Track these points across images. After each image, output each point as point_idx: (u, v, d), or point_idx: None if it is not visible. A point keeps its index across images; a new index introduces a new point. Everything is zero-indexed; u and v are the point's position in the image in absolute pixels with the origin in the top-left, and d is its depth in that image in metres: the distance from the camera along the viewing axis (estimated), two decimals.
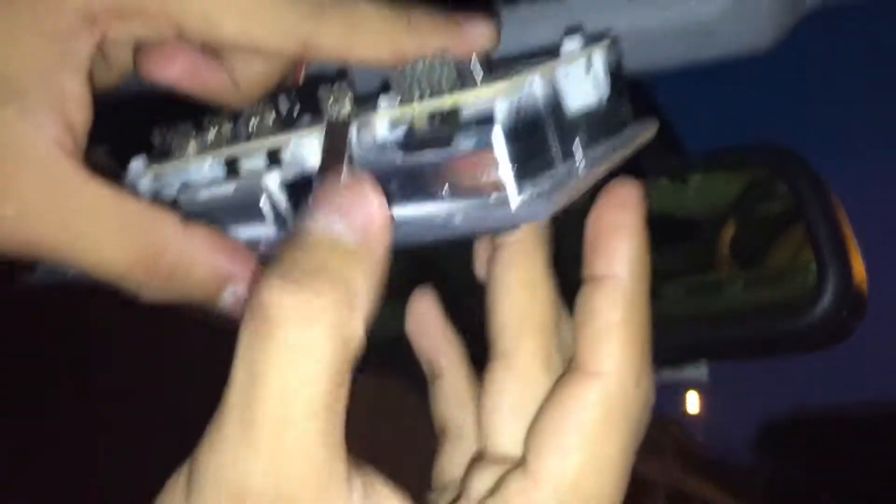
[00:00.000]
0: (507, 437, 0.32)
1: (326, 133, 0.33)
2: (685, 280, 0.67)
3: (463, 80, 0.32)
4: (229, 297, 0.33)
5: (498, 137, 0.28)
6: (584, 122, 0.34)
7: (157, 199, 0.39)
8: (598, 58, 0.34)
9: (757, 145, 0.55)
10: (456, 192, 0.30)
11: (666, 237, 0.64)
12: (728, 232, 0.69)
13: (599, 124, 0.35)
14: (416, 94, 0.32)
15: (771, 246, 0.69)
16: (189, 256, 0.32)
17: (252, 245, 0.35)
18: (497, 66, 0.35)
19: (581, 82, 0.34)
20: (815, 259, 0.49)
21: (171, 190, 0.40)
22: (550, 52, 0.35)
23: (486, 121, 0.29)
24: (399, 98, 0.33)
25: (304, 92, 0.40)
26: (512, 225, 0.31)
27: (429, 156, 0.30)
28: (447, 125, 0.31)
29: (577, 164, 0.32)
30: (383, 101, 0.33)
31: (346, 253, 0.26)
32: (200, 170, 0.39)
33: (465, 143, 0.29)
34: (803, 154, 0.55)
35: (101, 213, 0.30)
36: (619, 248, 0.30)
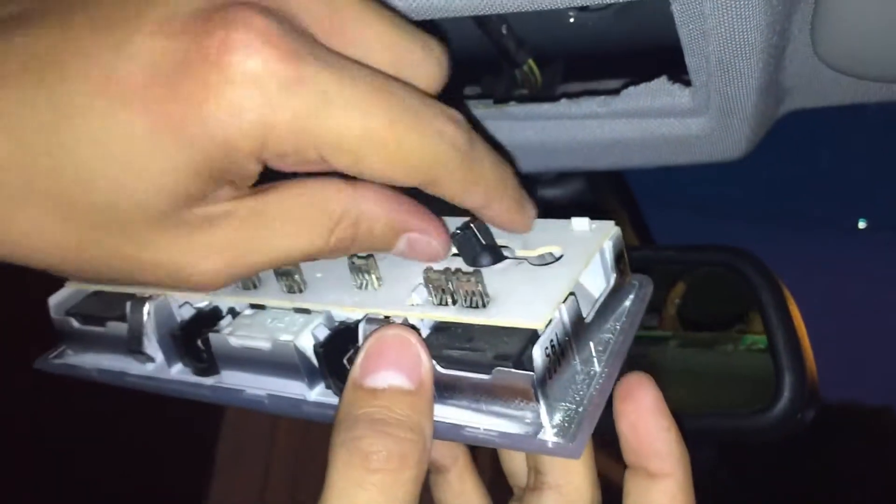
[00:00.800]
0: None
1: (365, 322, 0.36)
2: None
3: (489, 288, 0.34)
4: (402, 244, 0.36)
5: (536, 381, 0.32)
6: (596, 314, 0.36)
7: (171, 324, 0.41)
8: (608, 249, 0.37)
9: (719, 246, 0.58)
10: (490, 410, 0.33)
11: None
12: (677, 292, 0.73)
13: (607, 306, 0.37)
14: (450, 298, 0.35)
15: (712, 310, 0.73)
16: (371, 215, 0.35)
17: (291, 400, 0.38)
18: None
19: (594, 276, 0.37)
20: (773, 363, 0.53)
21: (181, 316, 0.41)
22: (553, 219, 0.39)
23: (521, 361, 0.32)
24: (431, 295, 0.35)
25: None
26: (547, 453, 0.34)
27: (468, 376, 0.33)
28: (484, 348, 0.33)
29: (597, 371, 0.35)
30: (417, 296, 0.35)
31: (410, 398, 0.32)
32: (223, 305, 0.41)
33: (503, 376, 0.32)
34: (765, 248, 0.59)
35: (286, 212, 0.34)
36: (669, 450, 0.36)
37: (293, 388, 0.38)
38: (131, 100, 0.29)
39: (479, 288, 0.34)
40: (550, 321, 0.33)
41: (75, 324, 0.42)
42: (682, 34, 0.45)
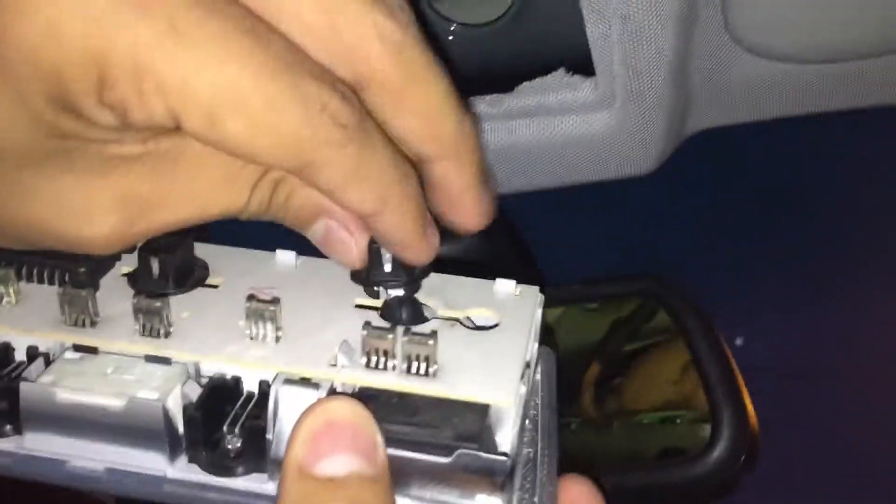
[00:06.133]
0: None
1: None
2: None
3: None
4: (320, 228, 0.33)
5: (509, 467, 0.30)
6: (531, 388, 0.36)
7: None
8: (538, 317, 0.35)
9: (638, 276, 0.55)
10: (437, 500, 0.31)
11: None
12: (592, 373, 0.69)
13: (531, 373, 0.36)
14: (383, 361, 0.32)
15: (627, 383, 0.69)
16: (294, 179, 0.32)
17: (145, 476, 0.32)
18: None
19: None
20: (708, 400, 0.48)
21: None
22: (468, 277, 0.37)
23: (487, 443, 0.31)
24: (362, 355, 0.32)
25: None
26: None
27: (421, 458, 0.30)
28: (436, 425, 0.31)
29: (536, 451, 0.34)
30: (342, 356, 0.32)
31: (376, 486, 0.29)
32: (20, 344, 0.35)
33: (469, 460, 0.30)
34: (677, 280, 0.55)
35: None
36: None
37: (146, 461, 0.32)
38: None
39: (433, 353, 0.31)
40: (519, 404, 0.31)
41: None
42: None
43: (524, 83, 0.49)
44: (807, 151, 0.87)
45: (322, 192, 0.31)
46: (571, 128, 0.49)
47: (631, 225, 0.81)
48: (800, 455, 0.81)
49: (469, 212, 0.34)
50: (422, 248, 0.33)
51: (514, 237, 0.70)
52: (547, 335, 0.36)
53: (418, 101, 0.31)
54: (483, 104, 0.50)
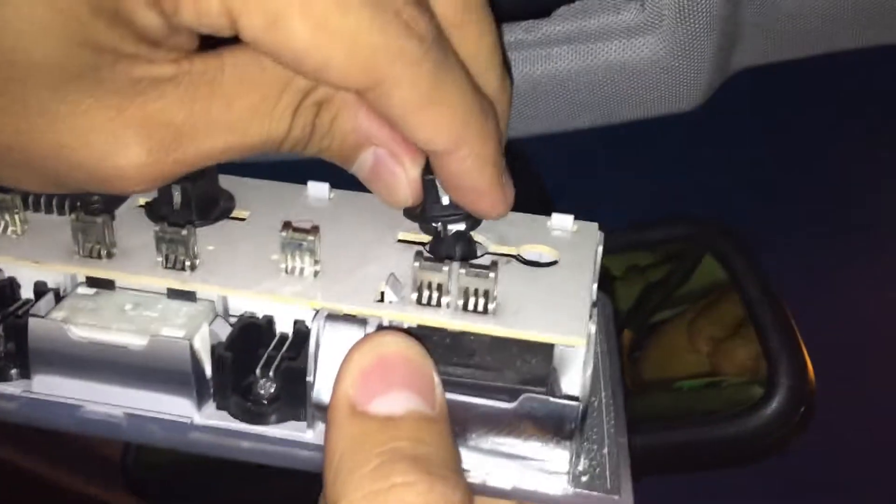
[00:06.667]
0: None
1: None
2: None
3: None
4: (368, 159, 0.31)
5: (580, 414, 0.28)
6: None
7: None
8: (599, 255, 0.33)
9: (687, 218, 0.51)
10: (497, 450, 0.29)
11: None
12: (625, 340, 0.66)
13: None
14: (436, 296, 0.29)
15: (653, 353, 0.66)
16: (338, 101, 0.29)
17: (169, 423, 0.30)
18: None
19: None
20: (764, 351, 0.44)
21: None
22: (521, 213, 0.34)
23: (553, 387, 0.28)
24: (416, 296, 0.29)
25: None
26: None
27: (483, 404, 0.28)
28: (497, 367, 0.29)
29: (602, 401, 0.32)
30: (390, 290, 0.29)
31: (436, 427, 0.26)
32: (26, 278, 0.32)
33: (536, 405, 0.28)
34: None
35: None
36: None
37: (170, 406, 0.30)
38: None
39: (492, 288, 0.28)
40: (591, 355, 0.29)
41: None
42: None
43: (562, 7, 0.45)
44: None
45: (392, 119, 0.28)
46: (614, 54, 0.46)
47: (658, 181, 0.77)
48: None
49: (496, 195, 0.32)
50: (498, 198, 0.31)
51: (538, 187, 0.68)
52: (604, 279, 0.34)
53: (445, 108, 0.29)
54: (519, 31, 0.46)
